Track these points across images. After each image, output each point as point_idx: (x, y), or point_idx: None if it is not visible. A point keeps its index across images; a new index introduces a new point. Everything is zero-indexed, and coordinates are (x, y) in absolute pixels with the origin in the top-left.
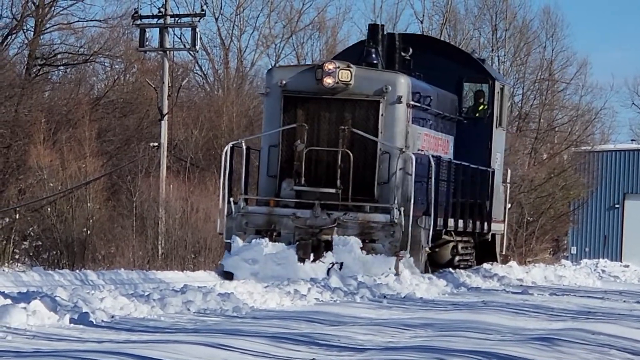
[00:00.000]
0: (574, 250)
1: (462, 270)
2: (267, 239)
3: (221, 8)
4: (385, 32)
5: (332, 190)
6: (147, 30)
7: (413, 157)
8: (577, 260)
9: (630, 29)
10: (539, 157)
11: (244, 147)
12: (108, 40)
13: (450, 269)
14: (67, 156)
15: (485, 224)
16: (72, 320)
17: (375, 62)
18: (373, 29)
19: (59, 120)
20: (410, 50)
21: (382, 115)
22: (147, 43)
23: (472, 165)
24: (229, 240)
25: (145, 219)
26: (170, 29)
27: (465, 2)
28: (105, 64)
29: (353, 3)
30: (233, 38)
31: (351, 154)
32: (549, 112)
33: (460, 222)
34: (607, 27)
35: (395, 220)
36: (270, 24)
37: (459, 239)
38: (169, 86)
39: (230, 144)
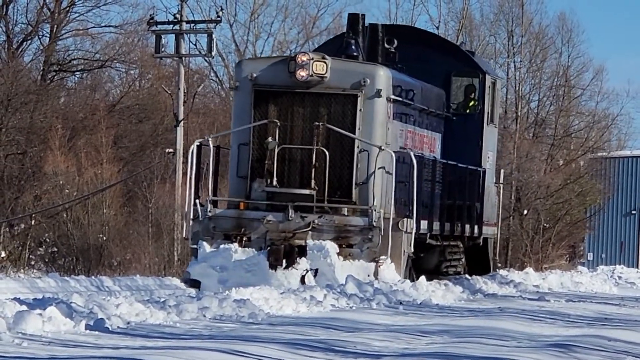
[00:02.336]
0: (590, 256)
1: (478, 277)
2: (236, 244)
3: (236, 14)
4: (367, 23)
5: (306, 192)
6: (162, 36)
7: (393, 155)
8: (594, 266)
9: None
10: (555, 164)
11: (211, 145)
12: (123, 46)
13: (464, 276)
14: (83, 162)
15: (476, 227)
16: (87, 327)
17: (354, 54)
18: (353, 18)
19: (75, 127)
20: (395, 42)
21: (360, 110)
22: (162, 49)
23: (459, 165)
24: (195, 246)
25: (161, 225)
26: (185, 35)
27: (481, 7)
28: (121, 70)
29: (368, 9)
30: (248, 44)
31: (327, 152)
32: (565, 118)
33: (447, 226)
34: (624, 33)
35: (374, 224)
36: (285, 30)
37: (446, 243)
38: (184, 92)
39: (196, 142)
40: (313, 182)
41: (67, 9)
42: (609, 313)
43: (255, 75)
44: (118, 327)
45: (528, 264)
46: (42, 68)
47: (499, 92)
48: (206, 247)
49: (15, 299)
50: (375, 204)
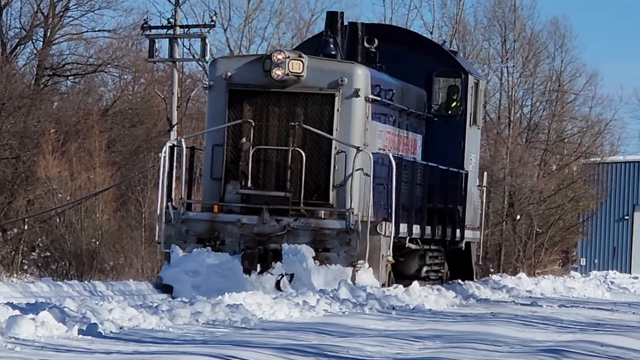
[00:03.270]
0: (583, 261)
1: (471, 282)
2: (209, 248)
3: (229, 19)
4: (346, 22)
5: (282, 194)
6: (156, 40)
7: (371, 156)
8: (587, 271)
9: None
10: (548, 169)
11: (184, 146)
12: (117, 50)
13: (457, 281)
14: (76, 167)
15: (458, 231)
16: (80, 331)
17: (333, 52)
18: (331, 17)
19: (68, 131)
20: (376, 41)
21: (337, 110)
22: (156, 54)
23: (441, 167)
24: (168, 250)
25: (154, 229)
26: (179, 40)
27: (475, 13)
28: (115, 75)
29: (362, 14)
30: (242, 48)
31: (303, 154)
32: (559, 124)
33: (428, 229)
34: (617, 38)
35: (352, 227)
36: (279, 34)
37: (427, 247)
38: (178, 97)
39: (168, 143)
40: (289, 184)
41: (61, 13)
42: (602, 318)
43: (229, 74)
44: (111, 332)
45: (521, 269)
46: (35, 72)
47: (482, 93)
48: (179, 251)
49: (8, 303)
50: (353, 206)
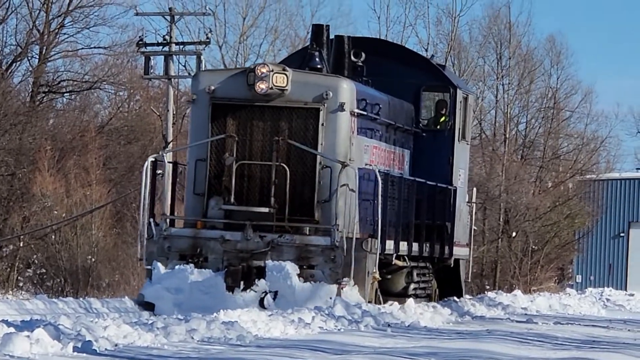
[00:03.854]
0: (579, 278)
1: (466, 299)
2: (192, 265)
3: (225, 35)
4: (332, 35)
5: (266, 210)
6: (151, 57)
7: (356, 171)
8: (582, 288)
9: (636, 57)
10: (544, 186)
11: (166, 161)
12: (113, 67)
13: (455, 298)
14: (72, 184)
15: (446, 247)
16: (75, 349)
17: (318, 66)
18: (317, 30)
19: (64, 148)
20: (363, 55)
21: (322, 124)
22: (151, 71)
23: (428, 182)
24: (150, 267)
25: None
26: (175, 57)
27: (470, 30)
28: (110, 91)
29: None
30: (237, 66)
31: (287, 169)
32: (554, 141)
33: (415, 246)
34: (613, 56)
35: (337, 244)
36: (274, 51)
37: (414, 264)
38: (173, 114)
39: (150, 158)
40: (273, 199)
41: (57, 30)
42: (597, 335)
43: (213, 87)
44: (106, 349)
45: (516, 286)
46: (31, 89)
47: (472, 108)
48: (161, 268)
49: (3, 320)
50: (338, 222)
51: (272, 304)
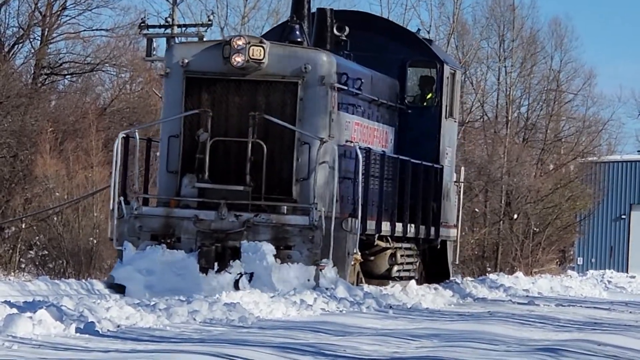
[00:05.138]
0: (580, 261)
1: (468, 281)
2: (164, 245)
3: (226, 18)
4: (313, 8)
5: (241, 188)
6: (153, 40)
7: (336, 148)
8: (584, 271)
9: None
10: (546, 168)
11: (137, 137)
12: (115, 49)
13: (454, 279)
14: (73, 166)
15: (432, 228)
16: (78, 330)
17: (299, 39)
18: (297, 2)
19: (66, 130)
20: (347, 29)
21: (300, 99)
22: (153, 53)
23: (413, 160)
24: (120, 248)
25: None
26: (176, 39)
27: (473, 12)
28: (112, 74)
29: None
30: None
31: (264, 145)
32: (556, 123)
33: (399, 226)
34: (616, 38)
35: (315, 223)
36: None
37: (398, 245)
38: None
39: (121, 134)
40: (249, 177)
41: (59, 12)
42: (599, 317)
43: (187, 60)
44: (108, 330)
45: (518, 268)
46: (33, 71)
47: (459, 84)
48: (131, 248)
49: (5, 302)
50: (317, 201)
51: (247, 286)
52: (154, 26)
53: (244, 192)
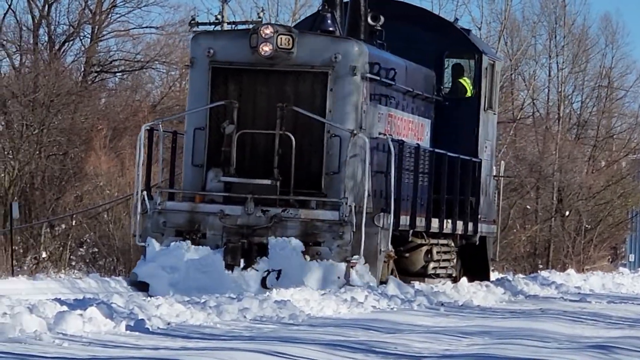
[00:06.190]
0: (632, 257)
1: (520, 278)
2: (189, 241)
3: (277, 14)
4: None
5: (269, 182)
6: None
7: (367, 140)
8: (635, 268)
9: None
10: (597, 165)
11: (162, 129)
12: (164, 47)
13: (506, 276)
14: (125, 163)
15: (471, 224)
16: (128, 327)
17: (330, 29)
18: None
19: (116, 127)
20: (382, 19)
21: (330, 90)
22: None
23: (450, 154)
24: (144, 244)
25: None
26: None
27: (523, 8)
28: (162, 71)
29: None
30: None
31: (293, 138)
32: (608, 120)
33: (435, 222)
34: None
35: (346, 218)
36: None
37: (434, 242)
38: None
39: (145, 126)
40: (276, 171)
41: (109, 10)
42: None
43: (213, 50)
44: (158, 327)
45: (570, 265)
46: (83, 69)
47: (499, 75)
48: (155, 245)
49: (55, 299)
50: (347, 196)
51: (274, 284)
52: (204, 23)
53: (271, 186)
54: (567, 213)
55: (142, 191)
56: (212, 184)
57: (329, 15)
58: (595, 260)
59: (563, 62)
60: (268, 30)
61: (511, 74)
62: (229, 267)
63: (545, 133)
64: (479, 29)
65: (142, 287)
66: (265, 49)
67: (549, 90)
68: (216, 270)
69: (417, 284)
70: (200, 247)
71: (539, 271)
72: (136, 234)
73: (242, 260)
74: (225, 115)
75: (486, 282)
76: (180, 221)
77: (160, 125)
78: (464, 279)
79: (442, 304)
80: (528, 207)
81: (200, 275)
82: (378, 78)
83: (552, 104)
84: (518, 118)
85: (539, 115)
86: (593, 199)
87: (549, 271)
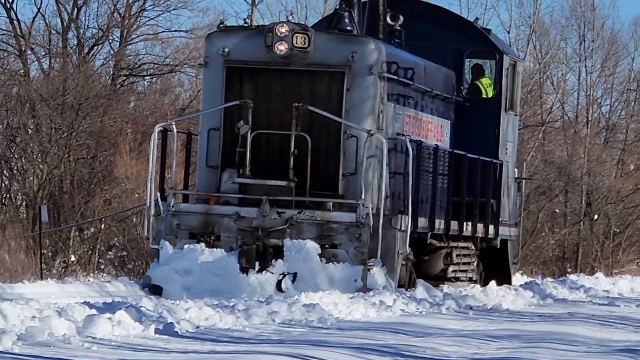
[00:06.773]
0: None
1: (548, 282)
2: (202, 244)
3: (306, 18)
4: None
5: (284, 183)
6: None
7: (384, 141)
8: None
9: None
10: (626, 168)
11: (175, 130)
12: (193, 50)
13: (535, 279)
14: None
15: (491, 227)
16: (157, 331)
17: (348, 28)
18: None
19: (145, 131)
20: (401, 18)
21: (347, 89)
22: None
23: (470, 155)
24: (157, 247)
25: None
26: None
27: (552, 12)
28: (191, 74)
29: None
30: None
31: (309, 138)
32: (637, 124)
33: (454, 224)
34: None
35: (363, 220)
36: None
37: (453, 245)
38: None
39: (157, 127)
40: (292, 172)
41: (138, 13)
42: None
43: (227, 49)
44: (187, 331)
45: (598, 269)
46: (112, 72)
47: (520, 76)
48: (168, 247)
49: (84, 302)
50: (364, 197)
51: (290, 287)
52: (232, 27)
53: (287, 187)
54: (596, 217)
55: (156, 192)
56: (226, 185)
57: (346, 14)
58: (623, 264)
59: (592, 66)
60: (283, 29)
61: (540, 77)
62: (244, 270)
63: (574, 136)
64: (508, 32)
65: (155, 290)
66: (281, 47)
67: (578, 94)
68: (231, 274)
69: (446, 288)
70: (215, 249)
71: (567, 275)
72: (149, 237)
73: (257, 263)
74: (240, 115)
75: (515, 286)
76: (194, 223)
77: (174, 126)
78: (492, 283)
79: (471, 308)
80: (557, 210)
81: (215, 279)
82: (396, 77)
83: (581, 107)
84: (547, 121)
85: (567, 119)
86: (622, 203)
87: (578, 275)
